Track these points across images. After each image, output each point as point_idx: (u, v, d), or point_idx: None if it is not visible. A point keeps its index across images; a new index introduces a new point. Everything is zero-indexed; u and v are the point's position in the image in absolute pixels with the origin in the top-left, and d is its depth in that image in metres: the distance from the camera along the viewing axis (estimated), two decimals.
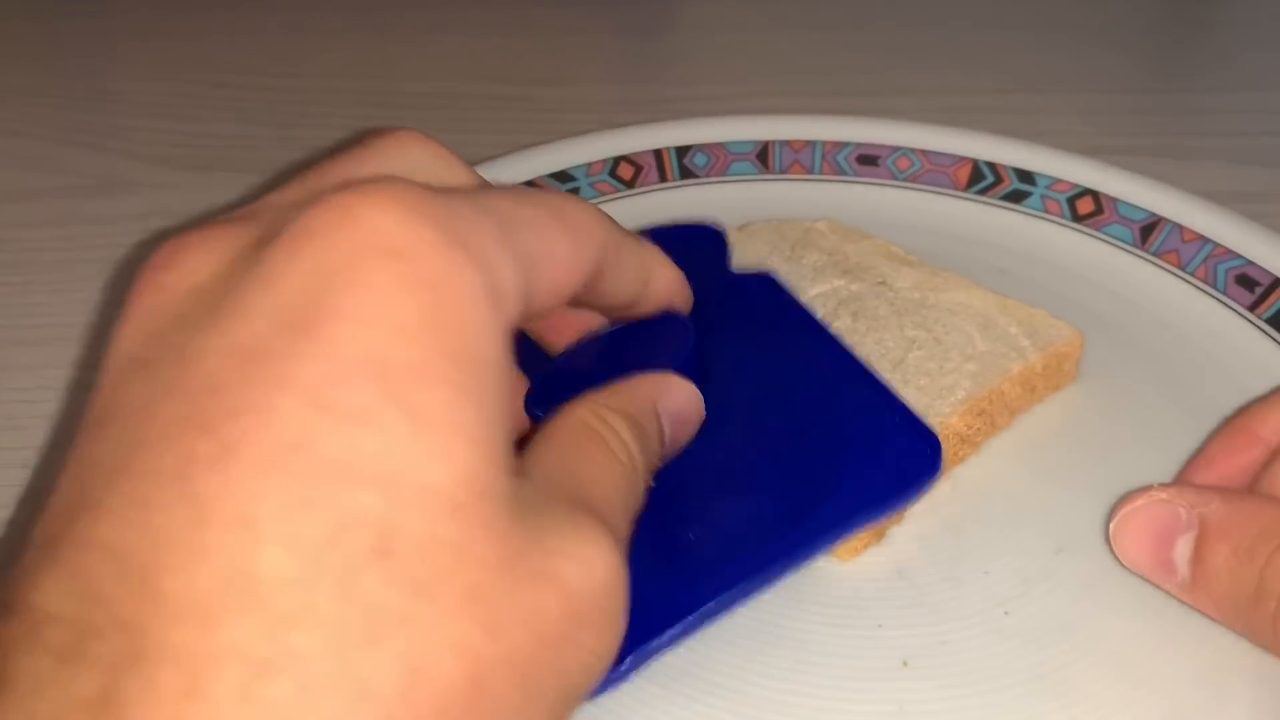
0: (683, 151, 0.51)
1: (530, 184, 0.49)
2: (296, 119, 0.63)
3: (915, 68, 0.67)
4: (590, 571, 0.24)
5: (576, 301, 0.32)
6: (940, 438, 0.37)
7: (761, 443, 0.35)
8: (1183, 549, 0.32)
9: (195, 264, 0.24)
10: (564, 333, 0.36)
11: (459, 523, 0.22)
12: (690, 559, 0.33)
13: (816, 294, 0.42)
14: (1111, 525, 0.34)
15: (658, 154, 0.50)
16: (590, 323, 0.36)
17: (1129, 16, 0.74)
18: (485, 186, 0.29)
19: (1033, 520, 0.36)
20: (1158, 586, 0.33)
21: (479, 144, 0.57)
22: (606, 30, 0.75)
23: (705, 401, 0.35)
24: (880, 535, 0.36)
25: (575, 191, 0.49)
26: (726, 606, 0.32)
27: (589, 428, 0.28)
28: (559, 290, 0.28)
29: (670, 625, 0.31)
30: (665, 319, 0.36)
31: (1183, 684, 0.32)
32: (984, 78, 0.66)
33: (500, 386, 0.23)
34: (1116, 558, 0.34)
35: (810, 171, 0.50)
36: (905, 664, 0.33)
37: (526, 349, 0.36)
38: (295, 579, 0.20)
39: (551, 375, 0.35)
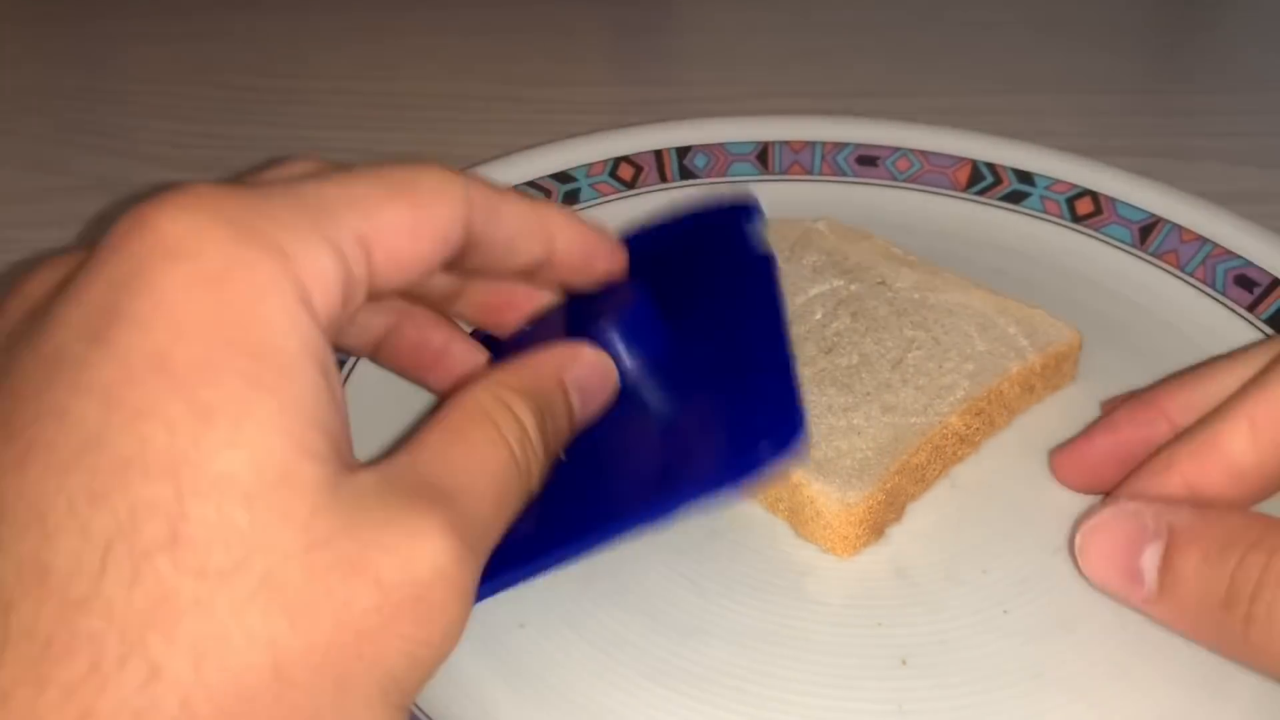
0: (683, 152, 0.51)
1: (533, 185, 0.49)
2: (297, 120, 0.63)
3: (915, 68, 0.67)
4: (409, 565, 0.24)
5: (471, 271, 0.33)
6: (940, 436, 0.37)
7: (669, 398, 0.35)
8: (1151, 558, 0.31)
9: (35, 287, 0.26)
10: (505, 313, 0.37)
11: (252, 512, 0.22)
12: (556, 501, 0.32)
13: (816, 294, 0.42)
14: (1077, 539, 0.33)
15: (658, 155, 0.50)
16: (535, 301, 0.37)
17: (1128, 17, 0.75)
18: (325, 171, 0.29)
19: (1032, 520, 0.37)
20: (1123, 603, 0.33)
21: (479, 144, 0.57)
22: (606, 30, 0.75)
23: (655, 365, 0.35)
24: (880, 533, 0.36)
25: (575, 193, 0.49)
26: (575, 556, 0.32)
27: (481, 410, 0.29)
28: (406, 262, 0.28)
29: (519, 566, 0.31)
30: (621, 288, 0.36)
31: (1182, 684, 0.32)
32: (984, 78, 0.66)
33: (309, 374, 0.24)
34: (1081, 573, 0.33)
35: (810, 172, 0.50)
36: (904, 662, 0.33)
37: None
38: (85, 567, 0.21)
39: (504, 349, 0.37)
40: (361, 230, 0.26)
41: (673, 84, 0.69)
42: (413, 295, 0.36)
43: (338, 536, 0.23)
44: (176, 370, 0.23)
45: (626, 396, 0.35)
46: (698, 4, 0.79)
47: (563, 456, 0.32)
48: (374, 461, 0.26)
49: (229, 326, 0.23)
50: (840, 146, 0.51)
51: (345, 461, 0.25)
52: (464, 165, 0.50)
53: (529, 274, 0.34)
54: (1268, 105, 0.63)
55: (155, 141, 0.61)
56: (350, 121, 0.63)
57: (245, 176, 0.30)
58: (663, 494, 0.32)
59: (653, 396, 0.35)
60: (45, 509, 0.22)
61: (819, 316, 0.41)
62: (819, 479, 0.35)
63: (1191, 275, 0.44)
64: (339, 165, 0.30)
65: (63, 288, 0.25)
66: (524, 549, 0.32)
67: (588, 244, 0.35)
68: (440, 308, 0.37)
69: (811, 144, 0.51)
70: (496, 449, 0.28)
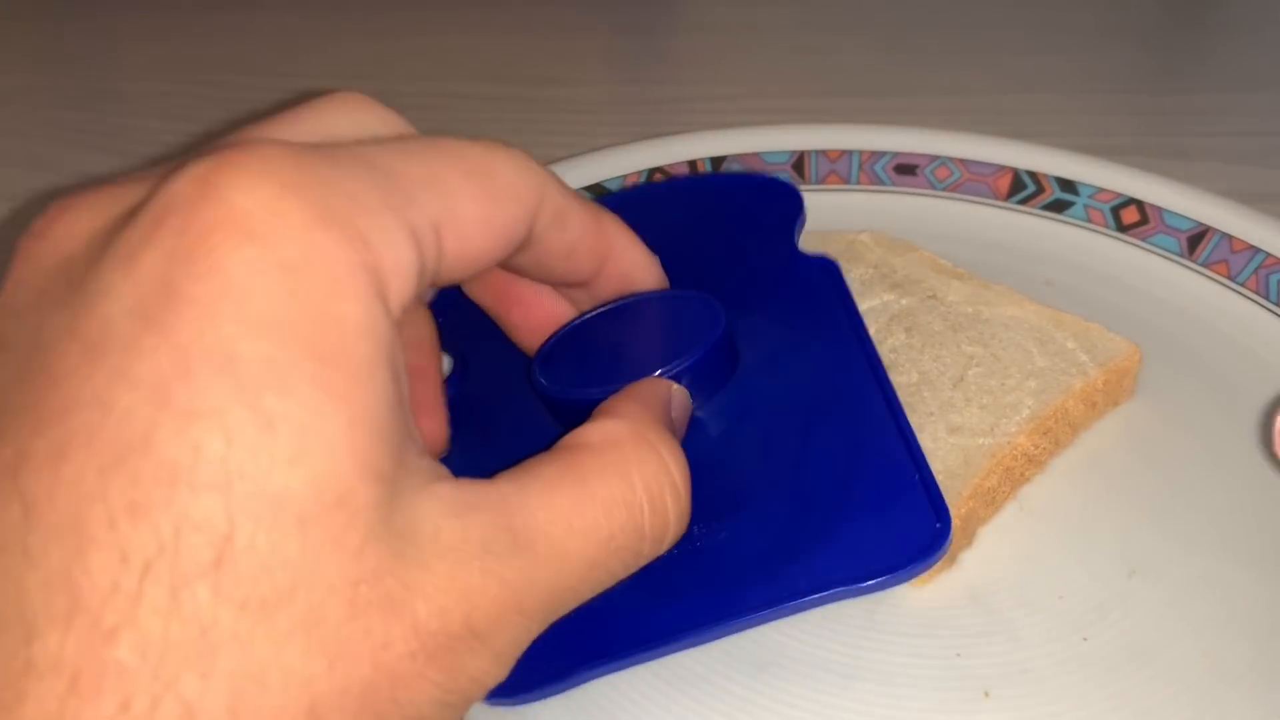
0: (717, 163, 0.49)
1: None
2: None
3: (915, 68, 0.67)
4: (446, 617, 0.22)
5: (518, 271, 0.30)
6: (1009, 457, 0.36)
7: (767, 465, 0.33)
8: None
9: (69, 231, 0.23)
10: (531, 321, 0.34)
11: (304, 538, 0.20)
12: (659, 584, 0.30)
13: (867, 309, 0.41)
14: (1278, 423, 0.32)
15: (692, 165, 0.49)
16: (563, 315, 0.34)
17: (1129, 16, 0.74)
18: (399, 141, 0.26)
19: (1103, 542, 0.36)
20: None
21: None
22: (606, 30, 0.74)
23: (727, 394, 0.33)
24: (953, 560, 0.35)
25: None
26: (684, 646, 0.31)
27: (617, 453, 0.26)
28: (471, 257, 0.25)
29: (621, 654, 0.31)
30: (694, 297, 0.34)
31: (1268, 712, 0.31)
32: (984, 78, 0.66)
33: (381, 380, 0.21)
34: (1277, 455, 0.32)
35: (847, 181, 0.49)
36: (987, 694, 0.32)
37: None
38: (121, 589, 0.19)
39: (562, 342, 0.34)
40: (438, 217, 0.24)
41: (673, 84, 0.68)
42: None
43: (384, 572, 0.21)
44: (241, 371, 0.20)
45: (707, 454, 0.32)
46: (698, 4, 0.78)
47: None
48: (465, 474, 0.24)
49: (302, 324, 0.21)
50: (878, 155, 0.50)
51: (409, 469, 0.22)
52: None
53: (552, 279, 0.32)
54: (1268, 105, 0.63)
55: (152, 141, 0.60)
56: None
57: (283, 112, 0.26)
58: (781, 588, 0.30)
59: (737, 456, 0.33)
60: (80, 518, 0.19)
61: (872, 332, 0.40)
62: None
63: (1243, 285, 0.44)
64: (392, 120, 0.27)
65: (103, 240, 0.22)
66: (616, 632, 0.31)
67: (638, 268, 0.32)
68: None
69: (848, 153, 0.50)
70: (616, 510, 0.25)
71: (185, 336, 0.20)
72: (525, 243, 0.28)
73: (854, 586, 0.30)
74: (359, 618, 0.21)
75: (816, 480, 0.32)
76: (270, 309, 0.20)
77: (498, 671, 0.23)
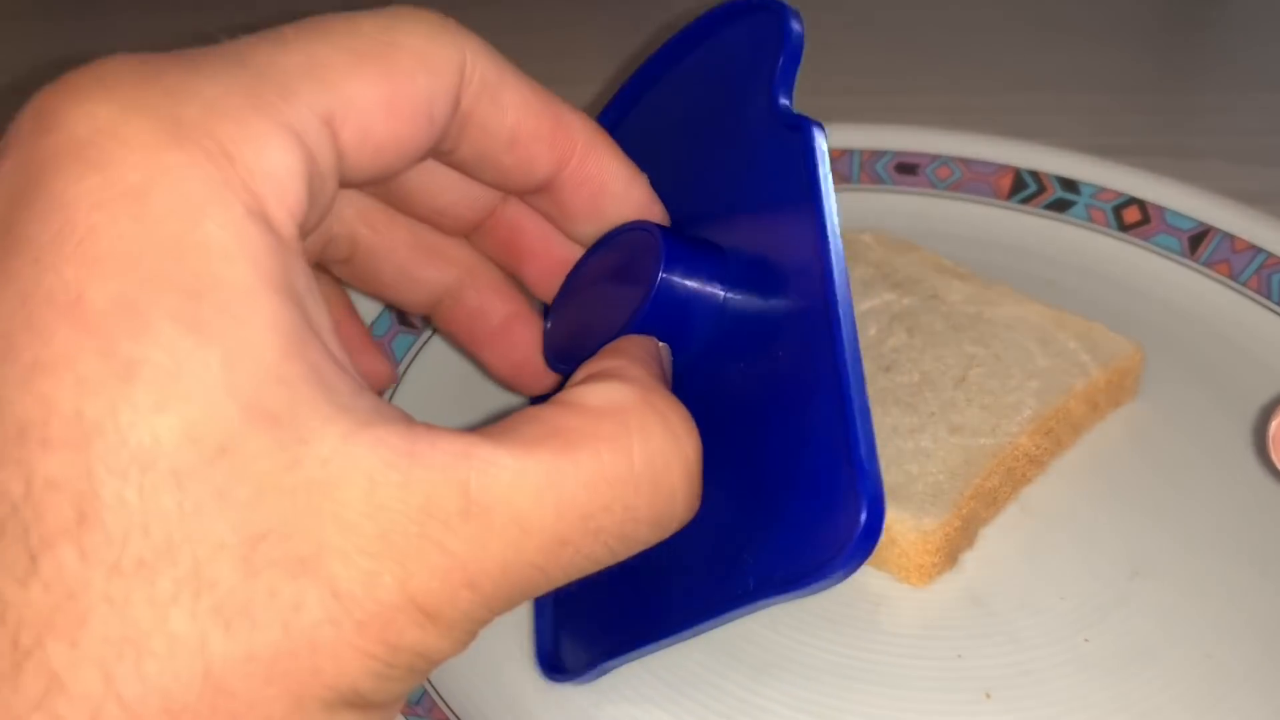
0: None
1: None
2: None
3: (915, 68, 0.66)
4: (373, 585, 0.19)
5: (462, 169, 0.27)
6: (1011, 458, 0.36)
7: (724, 433, 0.27)
8: None
9: None
10: (545, 273, 0.32)
11: (181, 492, 0.18)
12: (598, 597, 0.28)
13: (868, 308, 0.41)
14: (1272, 427, 0.31)
15: None
16: (573, 260, 0.32)
17: (1129, 16, 0.74)
18: (276, 32, 0.23)
19: (1105, 543, 0.36)
20: None
21: None
22: (607, 30, 0.74)
23: (692, 339, 0.29)
24: (954, 561, 0.35)
25: None
26: (652, 650, 0.28)
27: (619, 420, 0.23)
28: (382, 145, 0.23)
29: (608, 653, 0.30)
30: (639, 234, 0.30)
31: (1270, 714, 0.31)
32: (984, 77, 0.65)
33: (266, 308, 0.19)
34: (1274, 462, 0.32)
35: (848, 181, 0.49)
36: (988, 695, 0.32)
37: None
38: None
39: (558, 313, 0.32)
40: (324, 106, 0.21)
41: None
42: (431, 218, 0.31)
43: (290, 529, 0.19)
44: (89, 315, 0.18)
45: None
46: (698, 4, 0.77)
47: None
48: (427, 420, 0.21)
49: (157, 257, 0.19)
50: (879, 154, 0.49)
51: (336, 409, 0.20)
52: None
53: (534, 193, 0.29)
54: (1268, 105, 0.62)
55: None
56: None
57: None
58: (729, 590, 0.26)
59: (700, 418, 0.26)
60: None
61: (873, 332, 0.40)
62: (892, 506, 0.34)
63: (1245, 285, 0.43)
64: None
65: None
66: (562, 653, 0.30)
67: (614, 178, 0.29)
68: (459, 233, 0.33)
69: (849, 152, 0.49)
70: (600, 486, 0.22)
71: (25, 282, 0.18)
72: (457, 126, 0.25)
73: (775, 597, 0.25)
74: (258, 577, 0.19)
75: (767, 453, 0.26)
76: (118, 244, 0.18)
77: (449, 648, 0.21)
